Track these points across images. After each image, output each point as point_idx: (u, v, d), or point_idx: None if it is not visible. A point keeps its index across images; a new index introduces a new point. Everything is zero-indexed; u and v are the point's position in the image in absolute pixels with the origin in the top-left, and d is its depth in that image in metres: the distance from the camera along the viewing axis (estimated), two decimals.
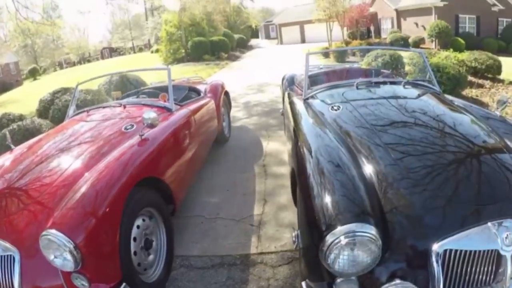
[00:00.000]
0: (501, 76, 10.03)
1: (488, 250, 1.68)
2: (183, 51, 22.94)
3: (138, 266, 2.35)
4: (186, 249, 3.00)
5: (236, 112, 7.76)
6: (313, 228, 1.81)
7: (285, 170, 4.38)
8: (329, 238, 1.62)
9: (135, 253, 2.32)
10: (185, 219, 3.45)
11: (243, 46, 34.28)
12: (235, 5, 41.46)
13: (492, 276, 1.72)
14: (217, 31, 27.06)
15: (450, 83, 7.43)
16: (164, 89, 4.18)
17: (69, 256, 1.81)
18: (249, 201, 3.77)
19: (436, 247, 1.66)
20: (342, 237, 1.60)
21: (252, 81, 12.23)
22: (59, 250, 1.82)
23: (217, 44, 23.77)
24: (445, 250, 1.66)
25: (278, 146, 5.37)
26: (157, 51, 26.27)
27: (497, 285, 1.71)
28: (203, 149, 4.10)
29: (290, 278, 2.58)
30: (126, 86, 7.98)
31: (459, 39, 20.79)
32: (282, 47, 34.86)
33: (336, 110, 2.97)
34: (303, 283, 1.88)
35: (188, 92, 4.97)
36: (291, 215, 3.37)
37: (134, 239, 2.32)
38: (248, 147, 5.50)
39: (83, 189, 2.07)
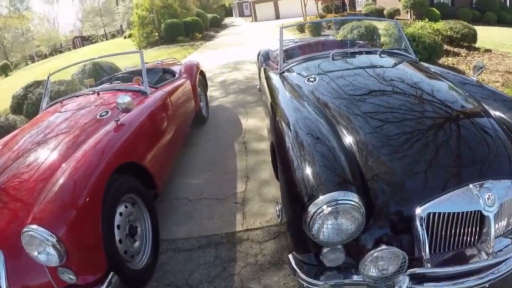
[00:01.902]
0: (477, 44, 10.17)
1: (471, 212, 1.71)
2: (157, 34, 22.44)
3: (124, 253, 2.32)
4: (171, 233, 2.99)
5: (213, 92, 7.68)
6: (295, 200, 1.81)
7: (265, 145, 4.38)
8: (311, 209, 1.62)
9: (120, 241, 2.30)
10: (169, 203, 3.43)
11: (217, 25, 33.78)
12: None
13: (476, 237, 1.78)
14: (190, 11, 26.54)
15: (426, 52, 7.50)
16: (137, 73, 4.09)
17: (52, 251, 1.77)
18: (232, 179, 3.76)
19: (420, 211, 1.69)
20: (324, 206, 1.60)
21: (227, 59, 12.06)
22: (42, 245, 1.78)
23: (190, 25, 23.32)
24: (429, 214, 1.69)
25: (257, 122, 5.36)
26: (130, 36, 25.55)
27: (481, 245, 1.76)
28: (181, 131, 4.04)
29: (277, 252, 2.61)
30: (100, 73, 7.75)
31: (434, 9, 20.85)
32: (256, 24, 34.50)
33: (312, 81, 2.95)
34: (290, 256, 1.89)
35: (162, 74, 4.88)
36: (274, 190, 3.39)
37: (118, 226, 2.30)
38: (227, 126, 5.48)
39: (60, 181, 2.02)
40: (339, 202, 1.60)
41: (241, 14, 56.23)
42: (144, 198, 2.64)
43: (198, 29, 23.79)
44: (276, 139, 2.42)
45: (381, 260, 1.61)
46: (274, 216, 2.98)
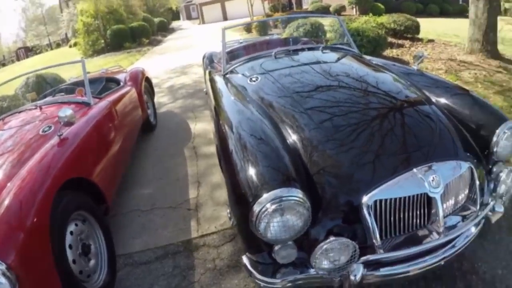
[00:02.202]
0: (420, 36, 10.71)
1: (417, 195, 1.79)
2: (103, 41, 21.64)
3: (80, 274, 2.23)
4: (127, 247, 2.91)
5: (161, 98, 7.57)
6: (241, 201, 1.81)
7: (215, 149, 4.38)
8: (256, 208, 1.63)
9: (74, 261, 2.20)
10: (122, 216, 3.34)
11: (165, 29, 33.39)
12: None
13: (426, 218, 1.86)
14: (136, 16, 26.07)
15: (370, 45, 7.83)
16: (81, 83, 3.94)
17: (3, 280, 1.65)
18: (183, 186, 3.74)
19: (366, 199, 1.74)
20: (268, 205, 1.61)
21: (175, 64, 11.95)
22: None
23: (137, 30, 22.89)
24: (375, 201, 1.75)
25: (205, 126, 5.36)
26: (75, 44, 24.45)
27: (432, 226, 1.86)
28: (129, 140, 3.95)
29: (234, 255, 2.63)
30: (43, 86, 7.42)
31: (379, 4, 21.58)
32: (204, 27, 34.38)
33: (254, 81, 2.95)
34: (244, 258, 1.90)
35: (106, 83, 4.73)
36: (226, 192, 3.38)
37: (70, 246, 2.19)
38: (176, 132, 5.42)
39: (6, 202, 1.90)
40: (283, 199, 1.62)
41: (189, 17, 55.74)
42: (94, 214, 2.54)
43: (145, 34, 23.39)
44: (219, 142, 2.42)
45: (331, 251, 1.65)
46: (228, 219, 3.00)
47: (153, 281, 2.53)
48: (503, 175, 2.08)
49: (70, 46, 30.52)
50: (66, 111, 2.56)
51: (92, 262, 2.41)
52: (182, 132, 5.33)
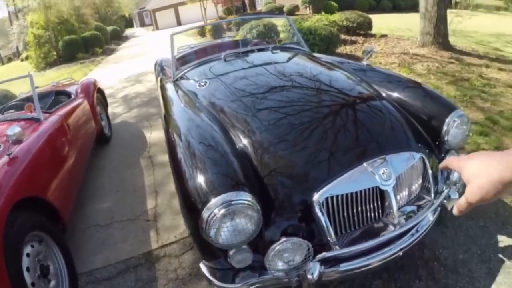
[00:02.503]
0: (373, 31, 11.07)
1: (369, 188, 1.81)
2: (55, 53, 20.86)
3: None
4: (88, 264, 2.86)
5: (116, 108, 7.44)
6: (191, 210, 1.77)
7: None
8: (205, 214, 1.61)
9: (33, 284, 2.14)
10: (80, 233, 3.28)
11: (118, 37, 32.56)
12: None
13: (380, 211, 1.89)
14: (88, 25, 25.32)
15: (323, 43, 7.97)
16: (30, 99, 3.82)
17: None
18: (141, 197, 3.73)
19: (316, 197, 1.76)
20: (217, 210, 1.60)
21: (129, 73, 11.77)
22: None
23: (90, 40, 22.25)
24: (326, 198, 1.76)
25: (161, 134, 5.30)
26: (27, 58, 23.40)
27: (387, 218, 1.90)
28: (83, 154, 3.87)
29: (196, 263, 2.65)
30: None
31: (332, 2, 21.73)
32: (158, 33, 33.91)
33: (203, 86, 2.92)
34: (201, 265, 1.89)
35: (56, 97, 4.62)
36: None
37: (28, 269, 2.13)
38: (131, 142, 5.37)
39: None
40: (232, 203, 1.61)
41: (142, 24, 54.82)
42: (51, 234, 2.48)
43: (98, 43, 22.73)
44: (169, 152, 2.37)
45: (284, 252, 1.67)
46: (186, 227, 3.03)
47: None
48: None
49: (22, 60, 29.14)
50: (14, 129, 2.50)
51: (53, 283, 2.36)
52: (138, 142, 5.29)
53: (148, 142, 5.20)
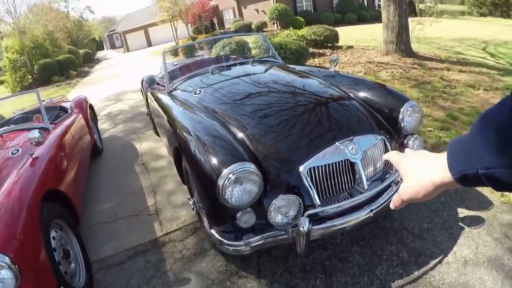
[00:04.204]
0: (340, 43, 11.72)
1: (341, 161, 2.29)
2: (30, 77, 21.06)
3: (65, 274, 2.48)
4: (98, 254, 3.15)
5: (102, 125, 7.71)
6: (207, 184, 2.22)
7: (164, 163, 4.81)
8: (220, 181, 2.06)
9: (59, 262, 2.45)
10: (87, 229, 3.57)
11: (91, 60, 32.88)
12: (75, 19, 38.94)
13: (353, 181, 2.36)
14: (62, 49, 25.72)
15: (293, 57, 8.51)
16: (35, 111, 4.15)
17: (7, 272, 1.86)
18: (140, 197, 4.05)
19: (302, 169, 2.25)
20: (231, 175, 2.05)
21: (108, 92, 12.07)
22: None
23: (64, 63, 22.60)
24: (309, 169, 2.24)
25: (151, 145, 5.70)
26: (1, 82, 23.40)
27: (358, 186, 2.36)
28: (85, 161, 4.23)
29: (198, 244, 3.03)
30: None
31: (299, 17, 22.69)
32: (129, 55, 34.22)
33: (198, 94, 3.37)
34: (212, 231, 2.35)
35: (58, 111, 4.96)
36: (181, 196, 3.82)
37: (54, 249, 2.46)
38: (123, 153, 5.69)
39: (1, 210, 2.15)
40: (240, 170, 2.06)
41: (113, 46, 54.79)
42: (69, 223, 2.82)
43: (72, 66, 23.10)
44: (181, 147, 2.76)
45: (282, 207, 2.12)
46: (188, 217, 3.41)
47: (129, 277, 2.83)
48: (410, 142, 2.72)
49: None
50: (35, 133, 2.85)
51: (72, 265, 2.68)
52: (129, 152, 5.62)
53: (140, 151, 5.53)
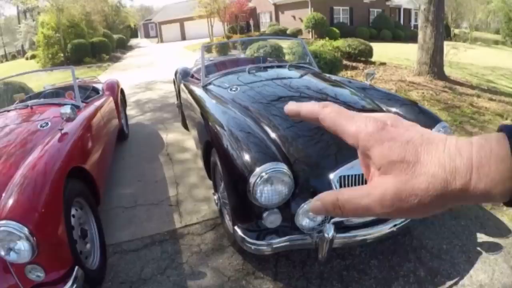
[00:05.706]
0: (373, 59, 11.59)
1: None
2: (62, 55, 21.26)
3: (80, 254, 2.44)
4: (115, 238, 3.12)
5: (129, 111, 7.70)
6: (238, 180, 2.19)
7: (189, 155, 4.76)
8: (252, 179, 2.04)
9: (75, 241, 2.41)
10: (106, 212, 3.53)
11: (123, 46, 33.06)
12: (113, 4, 39.61)
13: None
14: (97, 32, 25.84)
15: (327, 67, 8.40)
16: (66, 88, 4.16)
17: (25, 244, 1.82)
18: (162, 186, 4.01)
19: (332, 176, 2.20)
20: (263, 174, 2.02)
21: (138, 80, 12.12)
22: (13, 240, 1.82)
23: (97, 46, 22.69)
24: (340, 177, 2.20)
25: (177, 136, 5.65)
26: (33, 57, 23.59)
27: None
28: (111, 143, 4.22)
29: (217, 240, 2.95)
30: (10, 93, 7.43)
31: (334, 28, 22.78)
32: (162, 45, 34.61)
33: (234, 91, 3.36)
34: (236, 228, 2.28)
35: (90, 92, 4.98)
36: (203, 191, 3.75)
37: (72, 227, 2.41)
38: (149, 141, 5.68)
39: (22, 180, 2.12)
40: (273, 169, 2.04)
41: (147, 35, 55.71)
42: (89, 203, 2.78)
43: (105, 50, 23.19)
44: (213, 140, 2.75)
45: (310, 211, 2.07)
46: (208, 212, 3.34)
47: (143, 264, 2.77)
48: None
49: (27, 59, 29.43)
50: (67, 109, 2.83)
51: (88, 245, 2.64)
52: (155, 141, 5.60)
53: (165, 142, 5.51)
